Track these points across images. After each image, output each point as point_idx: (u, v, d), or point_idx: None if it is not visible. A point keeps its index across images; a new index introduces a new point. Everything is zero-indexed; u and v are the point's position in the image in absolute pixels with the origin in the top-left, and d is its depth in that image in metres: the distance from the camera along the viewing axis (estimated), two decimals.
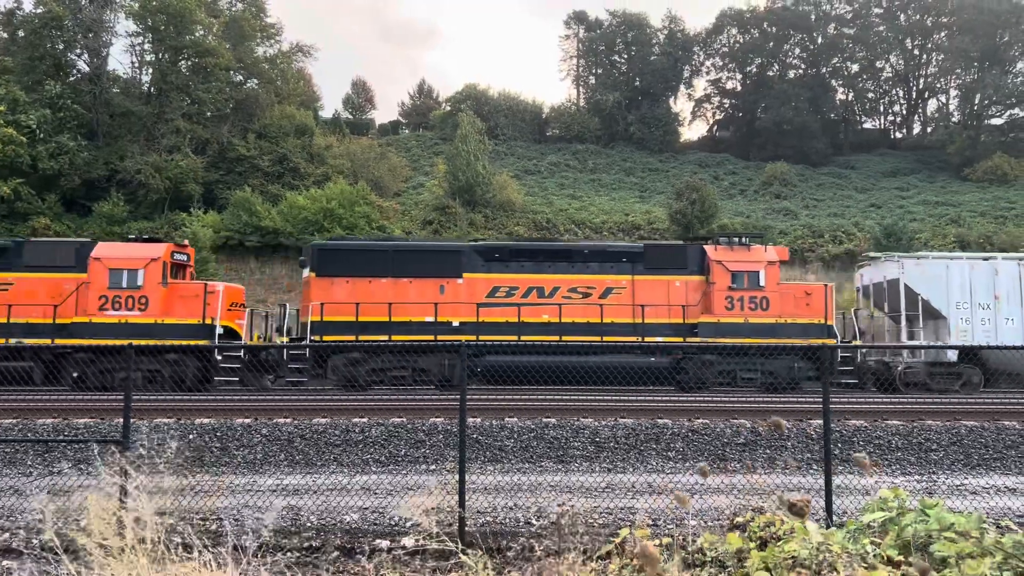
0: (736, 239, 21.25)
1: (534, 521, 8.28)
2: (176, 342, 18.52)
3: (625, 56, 69.20)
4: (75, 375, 18.71)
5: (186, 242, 22.48)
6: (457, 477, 7.47)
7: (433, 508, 7.68)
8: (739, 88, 70.85)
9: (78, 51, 46.20)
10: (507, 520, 8.42)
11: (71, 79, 45.27)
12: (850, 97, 70.30)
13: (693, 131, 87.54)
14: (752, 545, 5.08)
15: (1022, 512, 8.82)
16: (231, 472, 10.78)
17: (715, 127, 72.78)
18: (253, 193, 40.67)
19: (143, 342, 16.92)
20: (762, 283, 20.44)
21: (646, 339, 19.65)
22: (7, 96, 39.56)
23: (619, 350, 19.44)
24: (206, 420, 13.24)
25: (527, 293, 20.34)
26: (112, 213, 40.07)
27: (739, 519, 5.82)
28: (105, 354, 17.56)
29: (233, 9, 50.24)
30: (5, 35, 46.81)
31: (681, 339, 19.94)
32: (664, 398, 17.17)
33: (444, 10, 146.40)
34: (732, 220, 44.55)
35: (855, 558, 4.72)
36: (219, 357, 18.93)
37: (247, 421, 13.13)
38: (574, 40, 71.92)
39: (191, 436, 12.03)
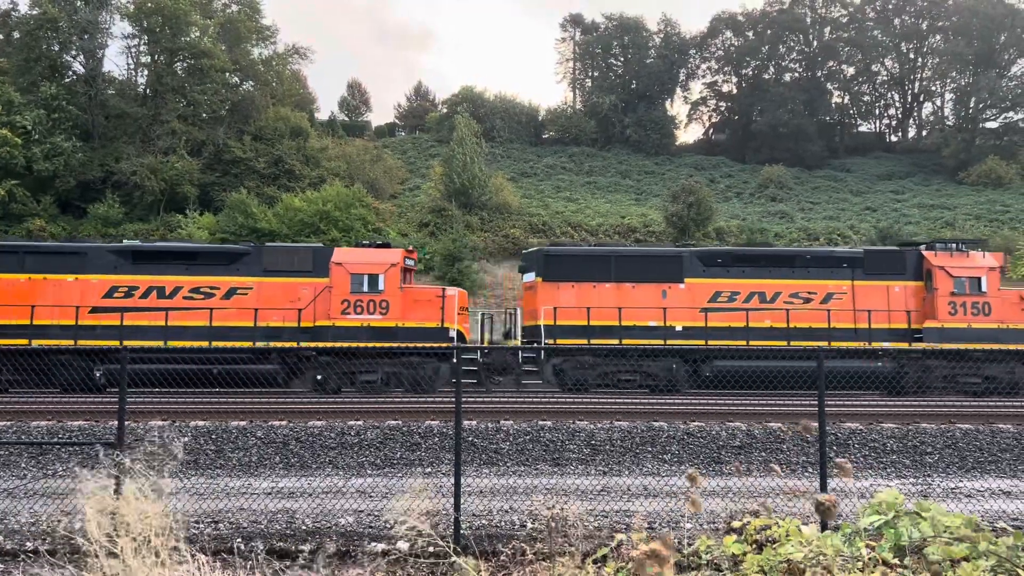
0: (954, 245, 21.58)
1: (529, 524, 8.28)
2: (415, 344, 19.17)
3: (621, 59, 69.37)
4: (318, 377, 19.11)
5: (412, 247, 23.08)
6: (453, 480, 7.46)
7: (429, 511, 7.67)
8: (735, 91, 71.06)
9: (73, 52, 46.15)
10: (502, 523, 8.41)
11: (66, 80, 45.22)
12: (846, 100, 70.57)
13: (689, 134, 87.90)
14: (748, 548, 5.08)
15: (1016, 515, 8.84)
16: (226, 475, 10.76)
17: (711, 130, 72.98)
18: (249, 195, 40.63)
19: (382, 345, 17.85)
20: (984, 288, 20.62)
21: (873, 343, 19.93)
22: (2, 97, 39.51)
23: (844, 355, 19.60)
24: (201, 422, 13.20)
25: (749, 298, 20.61)
26: (107, 215, 40.01)
27: (735, 523, 5.81)
28: (348, 356, 18.56)
29: (228, 11, 50.22)
30: (1, 36, 46.73)
31: (907, 344, 20.14)
32: (659, 400, 17.17)
33: (440, 12, 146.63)
34: (728, 223, 44.65)
35: (851, 561, 4.73)
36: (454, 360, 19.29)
37: (242, 424, 13.10)
38: (570, 43, 72.15)
39: (186, 439, 12.00)
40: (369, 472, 11.06)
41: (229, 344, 18.69)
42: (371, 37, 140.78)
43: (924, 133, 67.91)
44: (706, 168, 59.28)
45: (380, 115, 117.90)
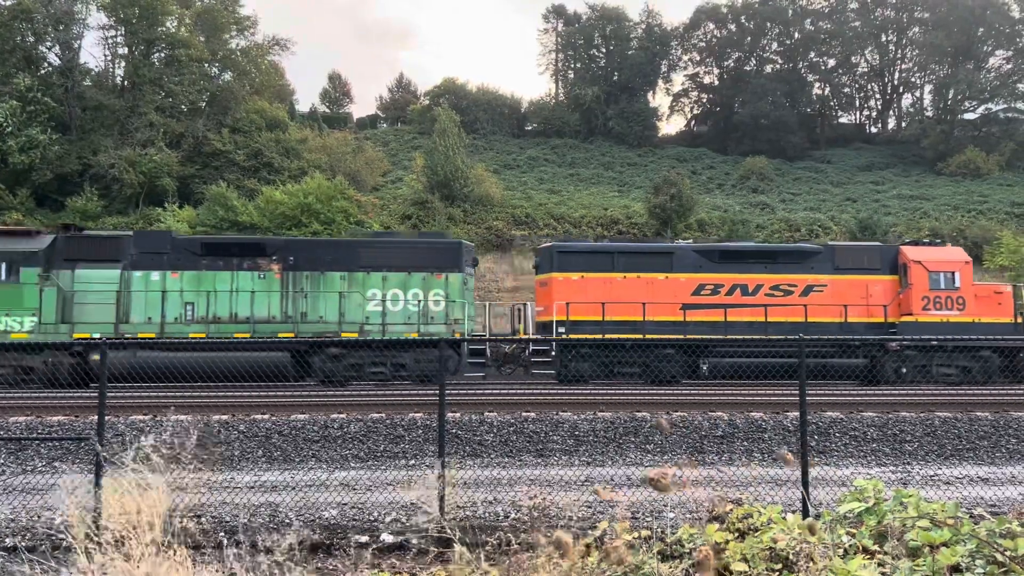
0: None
1: (513, 515, 8.29)
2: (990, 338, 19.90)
3: (603, 50, 69.33)
4: (902, 370, 20.16)
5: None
6: (437, 472, 7.46)
7: (412, 503, 7.66)
8: (716, 83, 71.24)
9: (49, 44, 45.46)
10: (487, 514, 8.41)
11: (42, 72, 44.54)
12: (826, 92, 70.92)
13: (671, 126, 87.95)
14: (731, 536, 5.11)
15: (994, 501, 8.96)
16: (208, 469, 10.68)
17: (693, 122, 73.13)
18: (229, 188, 40.28)
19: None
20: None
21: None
22: None
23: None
24: (183, 416, 13.11)
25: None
26: (85, 208, 39.55)
27: (718, 511, 5.85)
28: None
29: (205, 0, 49.62)
30: None
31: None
32: (642, 391, 17.23)
33: (422, 7, 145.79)
34: (710, 214, 44.81)
35: (832, 548, 4.77)
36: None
37: (224, 417, 13.03)
38: (552, 34, 71.96)
39: (167, 434, 11.90)
40: (353, 465, 11.03)
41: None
42: (352, 35, 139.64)
43: (903, 124, 68.40)
44: (688, 160, 59.44)
45: (362, 108, 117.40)
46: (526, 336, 21.52)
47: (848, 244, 24.30)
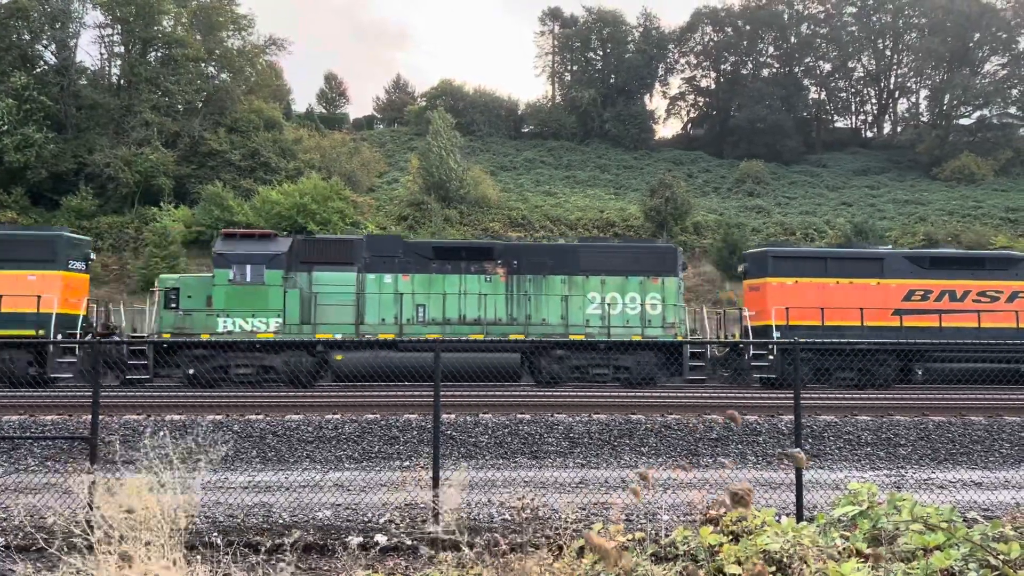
0: None
1: (508, 517, 8.28)
2: None
3: (600, 53, 69.34)
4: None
5: None
6: (431, 474, 7.45)
7: (407, 504, 7.65)
8: (713, 86, 71.34)
9: (45, 42, 45.33)
10: (481, 516, 8.40)
11: (38, 71, 44.39)
12: (822, 96, 71.10)
13: (668, 129, 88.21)
14: (725, 539, 5.11)
15: (987, 504, 8.97)
16: (201, 468, 10.64)
17: (689, 125, 73.23)
18: (225, 188, 40.19)
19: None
20: None
21: None
22: None
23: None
24: (176, 416, 13.08)
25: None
26: (80, 207, 39.42)
27: (712, 513, 5.84)
28: None
29: None
30: None
31: None
32: (637, 394, 17.24)
33: (419, 9, 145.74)
34: (706, 217, 44.87)
35: (826, 551, 4.77)
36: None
37: (218, 417, 12.99)
38: (549, 37, 71.95)
39: (161, 433, 11.86)
40: (347, 466, 11.01)
41: None
42: (348, 36, 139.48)
43: (899, 129, 68.57)
44: (684, 163, 59.50)
45: (359, 108, 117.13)
46: (745, 340, 21.61)
47: None
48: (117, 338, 19.90)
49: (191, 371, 18.71)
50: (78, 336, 19.11)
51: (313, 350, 19.22)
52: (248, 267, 19.49)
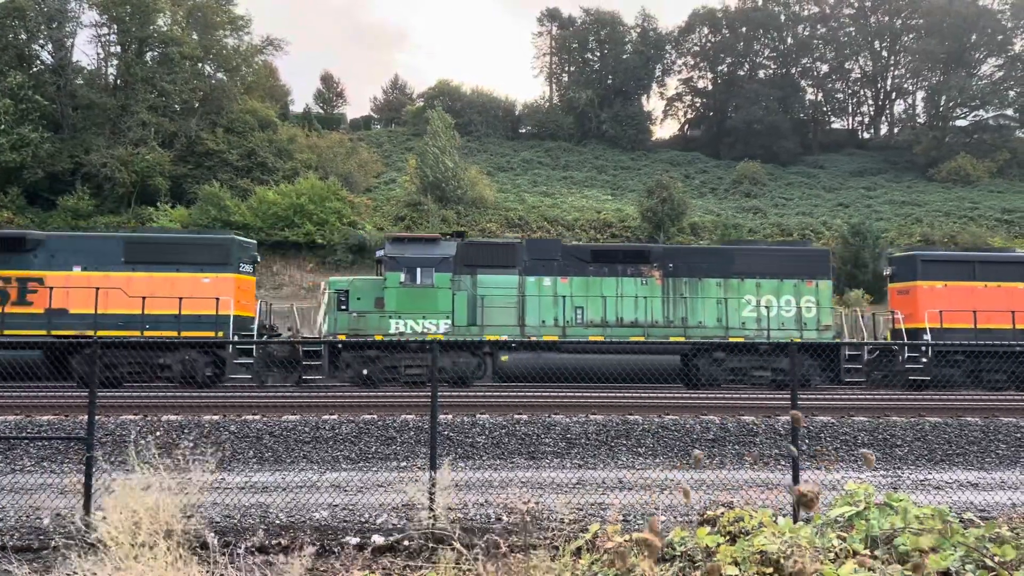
0: None
1: (504, 517, 8.28)
2: None
3: (598, 54, 69.43)
4: None
5: None
6: (428, 474, 7.45)
7: (404, 505, 7.65)
8: (710, 87, 71.44)
9: (41, 42, 45.30)
10: (478, 516, 8.40)
11: (34, 70, 44.34)
12: (819, 97, 71.24)
13: (665, 129, 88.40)
14: (722, 540, 5.11)
15: (984, 505, 8.99)
16: (198, 469, 10.63)
17: (686, 126, 73.34)
18: (222, 188, 40.18)
19: None
20: None
21: None
22: None
23: None
24: (174, 416, 13.06)
25: None
26: (77, 207, 39.38)
27: (709, 514, 5.85)
28: None
29: None
30: None
31: None
32: (634, 395, 17.25)
33: (417, 10, 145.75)
34: (702, 218, 44.93)
35: (822, 552, 4.78)
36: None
37: (215, 418, 12.97)
38: (547, 37, 72.04)
39: (158, 433, 11.86)
40: (344, 466, 11.00)
41: None
42: (346, 37, 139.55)
43: (896, 130, 68.74)
44: (681, 164, 59.57)
45: (357, 109, 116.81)
46: (901, 342, 21.60)
47: None
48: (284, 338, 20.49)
49: (364, 371, 19.08)
50: (255, 337, 19.44)
51: (479, 351, 19.52)
52: (419, 270, 19.88)
